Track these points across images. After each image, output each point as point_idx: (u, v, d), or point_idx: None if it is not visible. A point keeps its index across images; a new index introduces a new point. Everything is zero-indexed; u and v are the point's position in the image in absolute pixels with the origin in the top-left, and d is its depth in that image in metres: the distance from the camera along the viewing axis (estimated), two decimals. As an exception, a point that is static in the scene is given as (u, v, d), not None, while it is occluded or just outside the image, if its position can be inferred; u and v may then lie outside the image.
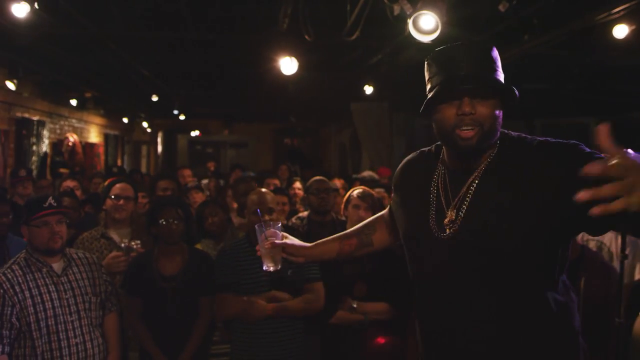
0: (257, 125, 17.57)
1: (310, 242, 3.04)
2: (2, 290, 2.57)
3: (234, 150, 18.54)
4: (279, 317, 2.97)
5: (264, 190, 3.28)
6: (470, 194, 1.59)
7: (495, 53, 1.59)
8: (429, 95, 1.58)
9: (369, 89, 8.37)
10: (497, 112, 1.55)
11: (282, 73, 6.30)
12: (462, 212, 1.58)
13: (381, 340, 3.06)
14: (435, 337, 1.66)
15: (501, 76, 1.58)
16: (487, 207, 1.55)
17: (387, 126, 10.06)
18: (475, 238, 1.55)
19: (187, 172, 6.75)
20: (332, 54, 7.02)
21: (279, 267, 2.02)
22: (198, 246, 3.69)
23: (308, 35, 5.12)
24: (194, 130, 18.26)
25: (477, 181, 1.59)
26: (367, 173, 7.80)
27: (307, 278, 3.04)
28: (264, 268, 2.02)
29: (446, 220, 1.61)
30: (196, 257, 3.27)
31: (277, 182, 5.67)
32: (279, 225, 2.05)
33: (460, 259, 1.57)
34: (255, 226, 2.04)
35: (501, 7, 4.19)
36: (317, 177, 4.09)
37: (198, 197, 5.01)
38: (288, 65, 6.06)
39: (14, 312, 2.57)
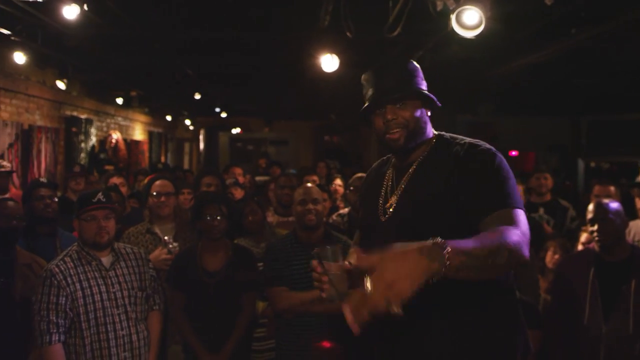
0: (298, 123, 17.63)
1: (352, 240, 3.05)
2: (56, 281, 2.66)
3: (274, 147, 18.67)
4: (324, 311, 3.00)
5: (308, 184, 3.34)
6: (405, 182, 1.89)
7: (412, 66, 1.92)
8: (361, 110, 1.92)
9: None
10: (418, 113, 1.87)
11: (322, 70, 6.30)
12: (397, 197, 1.89)
13: (326, 344, 3.07)
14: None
15: (419, 83, 1.89)
16: (415, 193, 1.86)
17: (428, 123, 9.93)
18: (403, 217, 1.85)
19: (238, 171, 6.80)
20: (373, 51, 6.98)
21: (344, 298, 1.81)
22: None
23: (349, 32, 5.10)
24: (235, 127, 18.47)
25: (411, 172, 1.89)
26: None
27: None
28: (330, 301, 1.83)
29: (387, 205, 1.92)
30: (239, 253, 3.32)
31: (315, 178, 5.68)
32: (339, 246, 1.85)
33: (395, 236, 1.75)
34: (316, 254, 1.82)
35: (547, 1, 4.08)
36: (359, 174, 4.08)
37: (237, 194, 5.07)
38: (329, 62, 6.06)
39: (68, 302, 2.66)
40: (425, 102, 1.90)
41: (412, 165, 1.90)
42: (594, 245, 3.13)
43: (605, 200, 3.18)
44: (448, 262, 1.40)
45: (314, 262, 1.83)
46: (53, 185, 3.72)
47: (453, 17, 3.92)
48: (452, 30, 4.06)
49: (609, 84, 8.45)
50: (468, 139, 1.88)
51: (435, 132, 1.95)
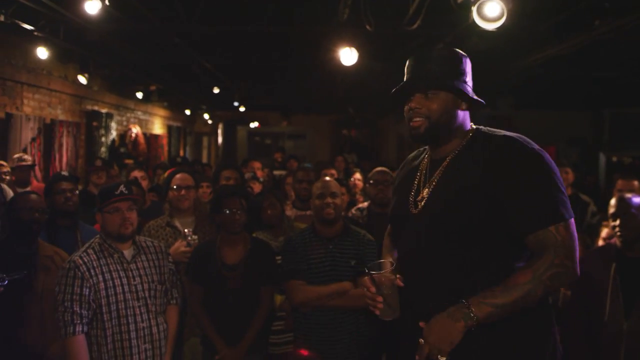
0: (315, 117, 17.64)
1: (371, 234, 3.06)
2: (80, 272, 2.69)
3: (292, 141, 18.70)
4: (341, 305, 3.02)
5: (327, 178, 3.34)
6: (438, 176, 1.86)
7: (454, 57, 1.86)
8: (391, 93, 1.91)
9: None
10: (446, 106, 1.83)
11: (340, 64, 6.28)
12: (430, 190, 1.86)
13: (304, 352, 3.08)
14: (407, 307, 1.84)
15: (457, 76, 1.84)
16: (447, 187, 1.82)
17: (447, 117, 9.83)
18: (434, 210, 1.82)
19: (257, 165, 6.84)
20: (392, 44, 6.95)
21: (398, 314, 1.85)
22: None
23: (369, 25, 5.08)
24: (253, 121, 18.53)
25: (445, 165, 1.86)
26: None
27: (364, 271, 3.05)
28: (382, 319, 1.84)
29: (419, 197, 1.89)
30: (258, 246, 3.33)
31: (334, 172, 5.67)
32: (392, 266, 1.84)
33: (426, 230, 1.82)
34: (369, 275, 1.85)
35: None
36: (379, 168, 4.06)
37: (256, 188, 5.09)
38: (348, 56, 6.03)
39: (91, 294, 2.70)
40: (462, 95, 1.86)
41: (447, 158, 1.87)
42: (615, 241, 3.09)
43: (628, 195, 3.13)
44: (475, 317, 1.65)
45: (367, 281, 1.84)
46: (74, 179, 3.76)
47: (474, 9, 3.88)
48: (473, 22, 4.02)
49: (632, 76, 8.30)
50: (507, 133, 1.82)
51: (473, 126, 1.91)
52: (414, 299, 1.81)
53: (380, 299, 1.81)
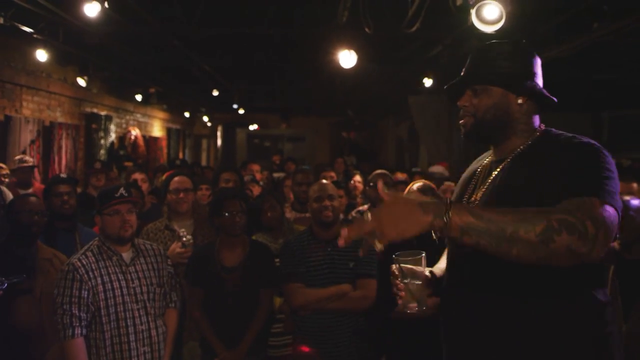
0: (315, 119, 17.65)
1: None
2: (78, 275, 2.69)
3: (291, 144, 18.69)
4: (340, 307, 3.02)
5: (324, 181, 3.35)
6: (494, 177, 1.72)
7: (512, 50, 1.73)
8: (445, 90, 1.83)
9: (428, 82, 8.25)
10: (495, 102, 1.71)
11: (340, 66, 6.30)
12: (483, 191, 1.72)
13: (305, 349, 3.09)
14: (449, 312, 1.70)
15: (508, 71, 1.70)
16: (500, 188, 1.67)
17: (446, 120, 9.84)
18: None
19: (256, 167, 6.84)
20: (392, 46, 6.96)
21: (424, 307, 1.75)
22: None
23: (368, 28, 5.09)
24: (252, 124, 18.53)
25: (503, 167, 1.71)
26: (436, 168, 7.78)
27: (362, 274, 3.06)
28: (406, 310, 1.75)
29: (472, 199, 1.76)
30: (257, 249, 3.33)
31: (333, 174, 5.67)
32: (422, 255, 1.75)
33: None
34: (396, 262, 1.76)
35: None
36: (379, 171, 4.07)
37: (255, 191, 5.09)
38: (347, 58, 6.05)
39: (89, 296, 2.69)
40: (514, 89, 1.71)
41: (506, 159, 1.72)
42: (614, 243, 3.09)
43: (626, 197, 3.13)
44: (447, 220, 1.39)
45: (394, 268, 1.76)
46: (73, 181, 3.75)
47: (473, 12, 3.89)
48: (471, 25, 4.03)
49: (631, 78, 8.32)
50: (577, 136, 1.68)
51: (542, 127, 1.77)
52: (456, 301, 1.69)
53: (402, 287, 1.74)
